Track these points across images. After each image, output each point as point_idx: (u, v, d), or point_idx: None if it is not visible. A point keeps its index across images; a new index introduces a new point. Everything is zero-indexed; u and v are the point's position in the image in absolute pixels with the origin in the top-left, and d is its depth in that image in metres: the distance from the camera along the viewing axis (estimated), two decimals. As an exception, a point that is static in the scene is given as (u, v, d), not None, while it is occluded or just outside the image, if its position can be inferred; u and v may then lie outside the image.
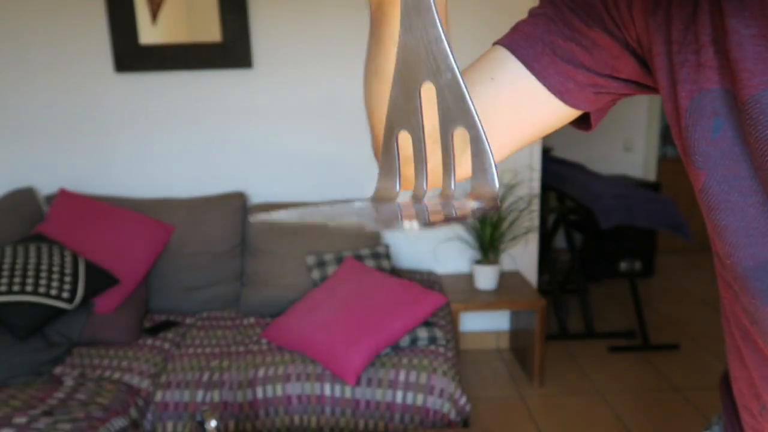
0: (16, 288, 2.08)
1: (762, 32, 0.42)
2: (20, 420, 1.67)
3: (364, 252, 2.47)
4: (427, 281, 2.61)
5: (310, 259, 2.46)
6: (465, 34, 2.70)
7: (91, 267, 2.28)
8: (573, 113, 0.55)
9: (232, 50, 2.64)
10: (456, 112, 0.29)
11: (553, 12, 0.54)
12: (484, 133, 0.28)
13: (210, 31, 2.63)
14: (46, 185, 2.73)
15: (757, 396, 0.53)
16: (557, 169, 3.58)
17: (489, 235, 2.71)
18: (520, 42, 0.55)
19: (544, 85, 0.53)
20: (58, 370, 2.02)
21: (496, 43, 0.57)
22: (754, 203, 0.44)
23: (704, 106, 0.45)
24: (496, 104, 0.55)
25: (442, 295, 2.21)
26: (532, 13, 0.57)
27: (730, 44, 0.43)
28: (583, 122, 0.59)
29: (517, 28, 0.57)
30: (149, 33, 2.62)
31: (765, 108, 0.41)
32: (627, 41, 0.51)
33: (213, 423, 1.56)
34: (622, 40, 0.51)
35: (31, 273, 2.13)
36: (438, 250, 2.87)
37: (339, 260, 2.43)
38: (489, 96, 0.54)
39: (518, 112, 0.55)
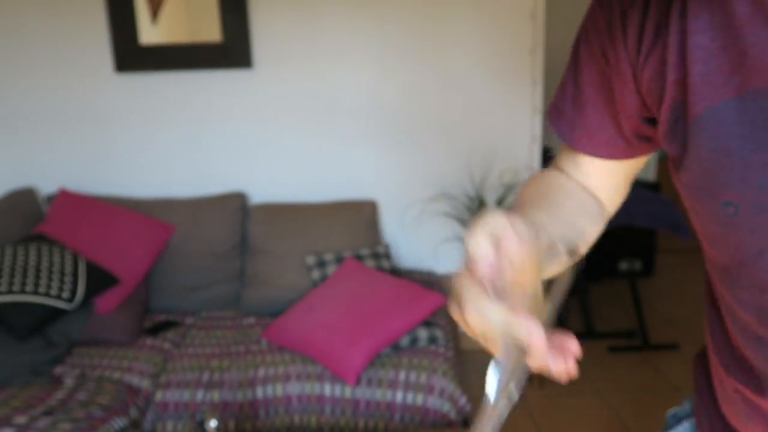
0: (16, 288, 2.08)
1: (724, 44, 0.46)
2: (20, 420, 1.67)
3: (364, 252, 2.47)
4: (427, 281, 2.61)
5: (310, 259, 2.46)
6: (464, 39, 2.70)
7: (91, 267, 2.28)
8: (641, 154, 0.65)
9: (232, 50, 2.64)
10: None
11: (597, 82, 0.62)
12: None
13: (210, 31, 2.63)
14: (46, 185, 2.73)
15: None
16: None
17: (489, 235, 2.71)
18: (570, 132, 0.66)
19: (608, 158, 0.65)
20: (58, 370, 2.02)
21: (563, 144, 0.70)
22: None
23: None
24: (596, 191, 0.69)
25: (442, 295, 2.21)
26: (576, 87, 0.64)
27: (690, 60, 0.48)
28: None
29: (562, 115, 0.66)
30: (149, 33, 2.62)
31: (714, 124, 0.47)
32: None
33: (213, 423, 1.56)
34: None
35: (31, 273, 2.13)
36: (438, 250, 2.87)
37: (339, 260, 2.43)
38: (579, 198, 0.67)
39: (609, 184, 0.68)
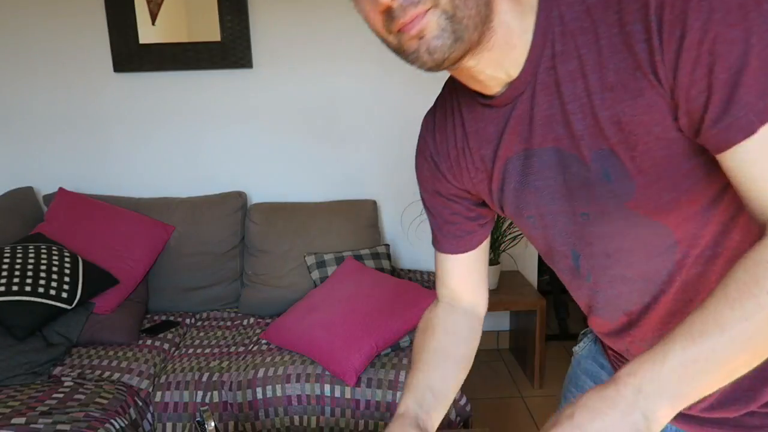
0: (15, 288, 2.07)
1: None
2: (19, 420, 1.67)
3: (364, 252, 2.47)
4: (427, 281, 2.61)
5: (310, 259, 2.46)
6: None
7: (90, 267, 2.28)
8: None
9: (232, 50, 2.64)
10: None
11: (434, 218, 0.94)
12: None
13: (209, 31, 2.63)
14: (45, 185, 2.72)
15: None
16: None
17: (489, 235, 2.71)
18: (437, 243, 0.93)
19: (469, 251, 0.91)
20: (57, 370, 2.02)
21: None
22: None
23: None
24: (462, 280, 0.94)
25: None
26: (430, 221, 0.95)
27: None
28: None
29: (433, 231, 0.95)
30: (148, 33, 2.62)
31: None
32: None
33: (213, 423, 1.55)
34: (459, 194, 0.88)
35: (30, 273, 2.13)
36: (438, 250, 2.87)
37: (339, 260, 2.43)
38: (455, 281, 0.94)
39: (471, 269, 0.94)
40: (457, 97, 0.77)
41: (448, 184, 0.84)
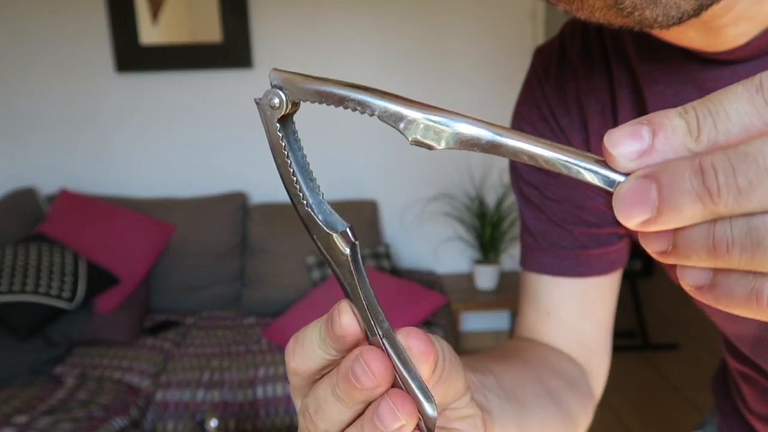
0: (16, 288, 2.08)
1: None
2: (21, 419, 1.68)
3: (364, 252, 2.47)
4: (427, 281, 2.62)
5: (310, 259, 2.46)
6: (463, 40, 2.70)
7: (91, 267, 2.28)
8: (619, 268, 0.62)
9: (232, 50, 2.64)
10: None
11: (534, 212, 0.61)
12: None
13: (210, 31, 2.63)
14: (46, 185, 2.73)
15: None
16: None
17: (489, 234, 2.71)
18: (538, 260, 0.61)
19: (584, 276, 0.59)
20: (58, 369, 2.02)
21: (523, 269, 0.64)
22: None
23: None
24: (568, 326, 0.60)
25: (442, 295, 2.22)
26: (524, 222, 0.63)
27: None
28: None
29: (526, 246, 0.63)
30: (150, 33, 2.62)
31: None
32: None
33: (213, 423, 1.56)
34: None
35: (31, 273, 2.13)
36: (438, 250, 2.87)
37: (339, 260, 2.43)
38: (557, 326, 0.60)
39: (587, 311, 0.60)
40: (623, 59, 0.52)
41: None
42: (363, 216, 2.62)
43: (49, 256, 2.22)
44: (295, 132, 0.28)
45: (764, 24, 0.42)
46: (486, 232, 2.71)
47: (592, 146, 0.55)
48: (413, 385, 0.28)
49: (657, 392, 2.64)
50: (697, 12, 0.34)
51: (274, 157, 0.28)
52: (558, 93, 0.56)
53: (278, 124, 0.26)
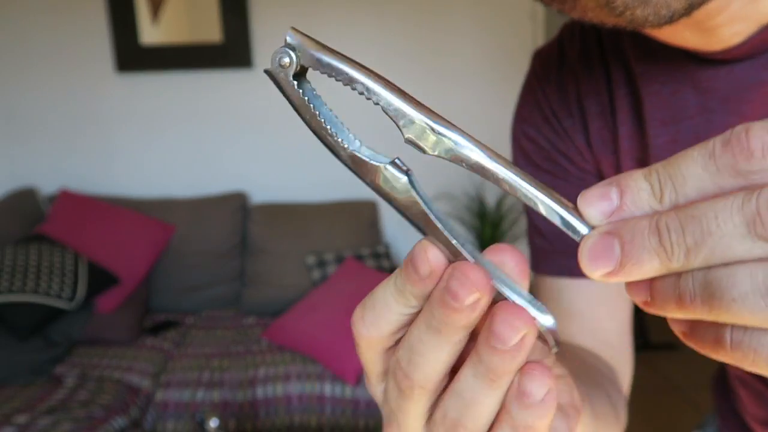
0: (16, 288, 2.08)
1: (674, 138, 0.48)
2: (21, 419, 1.68)
3: (364, 252, 2.47)
4: (427, 281, 2.61)
5: (310, 259, 2.46)
6: (463, 40, 2.70)
7: (91, 266, 2.28)
8: None
9: (232, 50, 2.64)
10: None
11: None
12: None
13: (210, 31, 2.63)
14: (46, 185, 2.73)
15: None
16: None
17: (489, 234, 2.71)
18: (555, 263, 0.59)
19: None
20: (58, 369, 2.02)
21: (538, 273, 0.62)
22: None
23: None
24: (594, 326, 0.60)
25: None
26: (533, 225, 0.62)
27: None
28: None
29: (538, 250, 0.61)
30: (150, 33, 2.62)
31: None
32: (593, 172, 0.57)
33: (213, 422, 1.56)
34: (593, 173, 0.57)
35: (31, 273, 2.13)
36: (438, 250, 2.87)
37: (339, 260, 2.43)
38: (581, 327, 0.60)
39: (610, 311, 0.61)
40: (621, 59, 0.52)
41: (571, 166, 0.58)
42: (363, 216, 2.62)
43: (49, 256, 2.22)
44: (313, 89, 0.27)
45: (759, 23, 0.42)
46: (486, 232, 2.71)
47: (593, 147, 0.55)
48: (519, 300, 0.25)
49: (657, 392, 2.64)
50: (688, 11, 0.34)
51: (301, 115, 0.27)
52: (559, 95, 0.57)
53: (294, 81, 0.26)
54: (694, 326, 0.24)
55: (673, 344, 3.05)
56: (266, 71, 0.26)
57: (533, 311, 0.25)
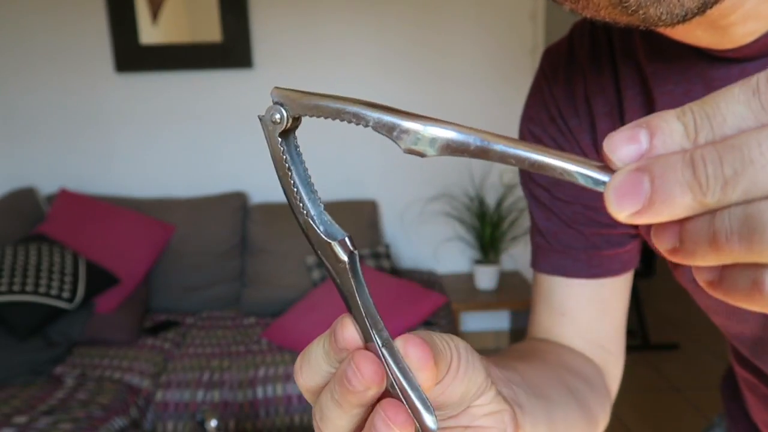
0: (16, 288, 2.08)
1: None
2: (21, 419, 1.68)
3: (364, 252, 2.47)
4: (427, 281, 2.62)
5: (310, 259, 2.46)
6: (463, 40, 2.70)
7: (91, 267, 2.28)
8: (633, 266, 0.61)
9: (232, 50, 2.64)
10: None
11: (545, 214, 0.60)
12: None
13: (210, 31, 2.63)
14: (46, 185, 2.73)
15: None
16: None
17: (489, 234, 2.71)
18: (550, 261, 0.60)
19: (597, 277, 0.59)
20: (58, 369, 2.02)
21: (536, 271, 0.63)
22: None
23: None
24: (583, 326, 0.60)
25: (443, 295, 2.22)
26: (534, 224, 0.62)
27: None
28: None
29: (537, 248, 0.62)
30: (149, 33, 2.62)
31: None
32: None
33: (213, 423, 1.56)
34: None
35: (31, 273, 2.13)
36: (438, 250, 2.87)
37: (339, 260, 2.43)
38: (571, 327, 0.60)
39: (601, 312, 0.60)
40: (631, 59, 0.52)
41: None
42: (363, 216, 2.62)
43: (49, 256, 2.22)
44: (297, 146, 0.29)
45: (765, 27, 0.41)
46: (486, 232, 2.71)
47: (600, 148, 0.54)
48: (412, 396, 0.28)
49: (657, 392, 2.64)
50: (702, 10, 0.34)
51: (276, 170, 0.29)
52: (566, 94, 0.56)
53: (279, 138, 0.28)
54: (725, 272, 0.21)
55: (674, 344, 3.04)
56: (259, 117, 0.28)
57: (420, 410, 0.28)
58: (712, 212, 0.20)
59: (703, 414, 2.45)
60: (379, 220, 2.78)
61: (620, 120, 0.53)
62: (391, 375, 0.28)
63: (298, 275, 2.45)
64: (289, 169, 0.28)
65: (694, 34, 0.43)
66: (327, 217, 0.29)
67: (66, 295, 2.15)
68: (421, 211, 2.83)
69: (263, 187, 2.78)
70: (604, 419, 0.57)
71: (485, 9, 2.68)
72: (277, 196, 2.77)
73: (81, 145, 2.75)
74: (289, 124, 0.28)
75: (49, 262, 2.19)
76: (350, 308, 0.29)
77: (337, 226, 0.29)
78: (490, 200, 2.76)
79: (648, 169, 0.20)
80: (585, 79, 0.55)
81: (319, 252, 0.29)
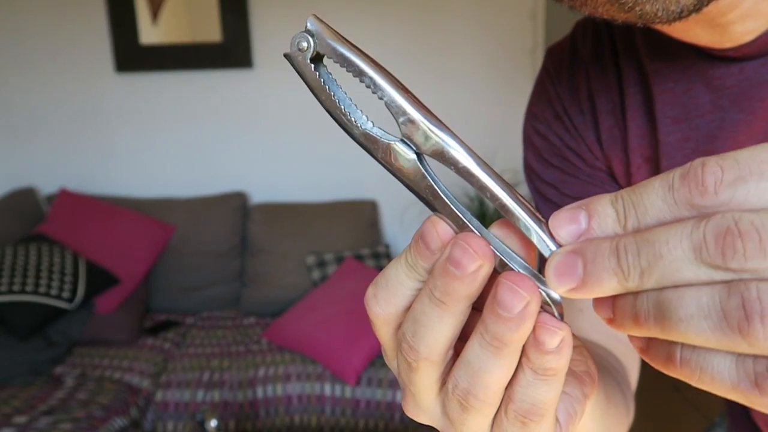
0: (16, 288, 2.08)
1: (685, 136, 0.48)
2: (21, 419, 1.68)
3: (364, 252, 2.47)
4: (427, 281, 2.61)
5: (310, 259, 2.46)
6: (463, 39, 2.70)
7: (91, 267, 2.28)
8: None
9: (232, 50, 2.64)
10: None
11: (553, 209, 0.59)
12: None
13: (210, 31, 2.63)
14: (46, 185, 2.73)
15: None
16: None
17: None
18: None
19: None
20: (58, 369, 2.02)
21: None
22: None
23: None
24: (598, 319, 0.58)
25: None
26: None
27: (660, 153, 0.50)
28: None
29: None
30: (149, 33, 2.62)
31: None
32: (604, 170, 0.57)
33: (213, 423, 1.56)
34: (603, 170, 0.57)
35: (31, 273, 2.13)
36: (438, 250, 2.87)
37: (339, 260, 2.43)
38: (590, 322, 0.59)
39: None
40: (633, 57, 0.52)
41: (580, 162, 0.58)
42: (363, 216, 2.62)
43: (49, 256, 2.22)
44: (329, 72, 0.28)
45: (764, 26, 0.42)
46: (486, 232, 2.71)
47: (603, 145, 0.55)
48: (523, 272, 0.26)
49: (657, 392, 2.64)
50: (698, 7, 0.34)
51: (317, 96, 0.28)
52: (570, 92, 0.57)
53: (311, 64, 0.27)
54: (650, 343, 0.25)
55: (673, 344, 3.04)
56: (285, 55, 0.27)
57: (538, 283, 0.26)
58: (635, 294, 0.23)
59: (704, 414, 2.44)
60: (379, 220, 2.78)
61: (622, 118, 0.53)
62: (498, 252, 0.26)
63: (298, 275, 2.45)
64: (329, 90, 0.27)
65: (694, 32, 0.43)
66: (378, 129, 0.28)
67: (66, 295, 2.15)
68: (421, 211, 2.82)
69: (263, 187, 2.78)
70: (632, 410, 0.59)
71: (485, 9, 2.68)
72: (277, 196, 2.78)
73: (81, 145, 2.75)
74: (314, 54, 0.27)
75: (49, 262, 2.19)
76: (433, 204, 0.28)
77: (390, 134, 0.28)
78: (490, 201, 2.75)
79: (582, 252, 0.24)
80: (588, 78, 0.55)
81: (383, 159, 0.28)
